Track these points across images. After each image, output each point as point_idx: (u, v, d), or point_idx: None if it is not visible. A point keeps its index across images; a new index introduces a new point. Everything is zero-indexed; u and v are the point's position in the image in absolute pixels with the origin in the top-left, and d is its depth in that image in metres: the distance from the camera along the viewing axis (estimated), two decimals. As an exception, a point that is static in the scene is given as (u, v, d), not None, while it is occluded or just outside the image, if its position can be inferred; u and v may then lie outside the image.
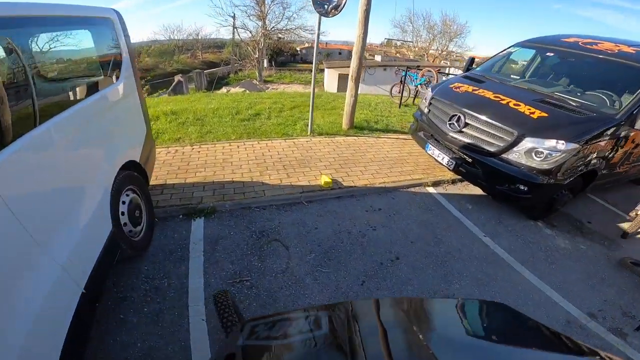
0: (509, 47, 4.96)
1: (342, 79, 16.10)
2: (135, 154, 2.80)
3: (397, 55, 32.50)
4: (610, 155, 3.62)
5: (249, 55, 17.79)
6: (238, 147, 4.85)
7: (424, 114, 4.50)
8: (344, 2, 4.45)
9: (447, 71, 13.06)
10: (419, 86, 8.42)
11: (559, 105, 3.57)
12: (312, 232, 3.33)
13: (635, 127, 3.54)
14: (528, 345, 0.58)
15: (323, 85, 17.90)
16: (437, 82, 7.97)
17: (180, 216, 3.35)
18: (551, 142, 3.24)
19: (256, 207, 3.61)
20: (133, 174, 2.66)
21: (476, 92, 4.01)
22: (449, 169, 4.02)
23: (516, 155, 3.42)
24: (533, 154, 3.32)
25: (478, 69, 4.97)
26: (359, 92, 5.83)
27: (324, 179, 3.97)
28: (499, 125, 3.48)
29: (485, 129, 3.58)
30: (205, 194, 3.67)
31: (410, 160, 4.91)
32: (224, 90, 14.52)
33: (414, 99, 8.65)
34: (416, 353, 0.45)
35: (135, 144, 2.85)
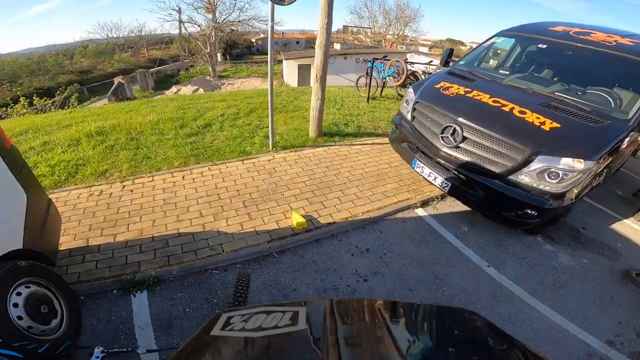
0: (492, 37, 4.27)
1: (303, 70, 14.93)
2: (13, 239, 1.84)
3: (355, 42, 31.58)
4: (613, 160, 3.12)
5: (199, 51, 15.95)
6: (184, 177, 3.78)
7: (406, 121, 3.70)
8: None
9: (413, 60, 12.39)
10: (387, 78, 7.63)
11: (570, 111, 2.94)
12: (290, 294, 2.54)
13: None
14: (488, 354, 0.51)
15: (282, 77, 16.62)
16: (405, 72, 7.24)
17: (114, 291, 2.43)
18: (567, 161, 2.62)
19: (214, 268, 2.71)
20: (19, 265, 1.80)
21: (470, 95, 3.27)
22: (442, 191, 3.28)
23: (526, 177, 2.76)
24: (546, 176, 2.68)
25: (461, 62, 4.22)
26: None
27: (296, 219, 3.09)
28: (507, 141, 2.77)
29: (489, 144, 2.87)
30: (144, 257, 2.69)
31: (392, 174, 4.14)
32: (173, 89, 12.85)
33: (381, 91, 7.87)
34: (387, 353, 0.43)
35: (6, 228, 1.81)
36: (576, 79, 3.48)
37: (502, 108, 3.00)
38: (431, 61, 9.21)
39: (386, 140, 5.08)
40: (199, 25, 17.62)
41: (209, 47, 15.54)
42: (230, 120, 5.52)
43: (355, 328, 0.50)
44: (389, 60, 7.80)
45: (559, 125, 2.75)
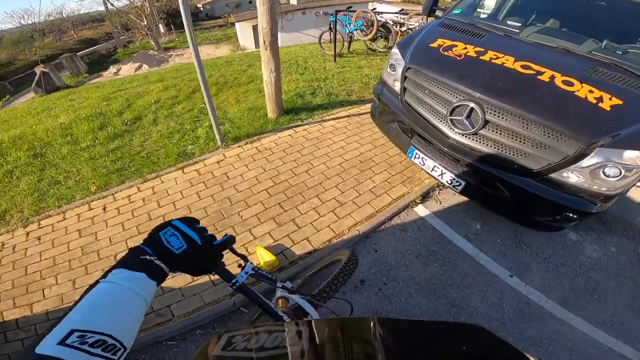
0: None
1: (258, 30, 12.93)
2: None
3: None
4: None
5: (135, 25, 13.22)
6: (105, 209, 2.69)
7: (393, 93, 2.61)
8: None
9: (382, 10, 10.73)
10: (354, 32, 6.28)
11: (628, 81, 1.94)
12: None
13: None
14: None
15: (237, 41, 14.44)
16: (376, 24, 5.91)
17: None
18: (635, 155, 1.70)
19: (168, 339, 1.92)
20: None
21: (485, 57, 2.18)
22: (452, 190, 2.33)
23: (574, 175, 1.84)
24: (601, 173, 1.77)
25: (457, 11, 2.96)
26: (280, 45, 3.70)
27: (262, 257, 2.16)
28: (555, 127, 1.78)
29: (526, 132, 1.87)
30: None
31: (379, 157, 3.14)
32: (112, 70, 10.72)
33: (349, 47, 6.55)
34: None
35: None
36: (608, 33, 2.39)
37: (539, 77, 1.95)
38: (401, 10, 7.76)
39: (365, 109, 4.00)
40: (127, -1, 14.69)
41: (145, 20, 12.91)
42: (167, 107, 4.22)
43: (360, 347, 0.43)
44: (355, 11, 6.38)
45: (621, 102, 1.78)
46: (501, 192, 2.04)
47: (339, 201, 2.63)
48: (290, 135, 3.48)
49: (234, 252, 0.80)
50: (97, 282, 0.50)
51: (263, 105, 3.94)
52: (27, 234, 2.59)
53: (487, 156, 2.01)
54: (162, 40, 13.80)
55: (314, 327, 0.51)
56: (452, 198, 2.82)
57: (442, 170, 2.20)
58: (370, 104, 4.18)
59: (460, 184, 2.16)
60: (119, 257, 2.43)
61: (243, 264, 0.79)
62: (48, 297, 2.13)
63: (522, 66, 2.04)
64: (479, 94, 1.94)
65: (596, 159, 1.73)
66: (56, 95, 6.27)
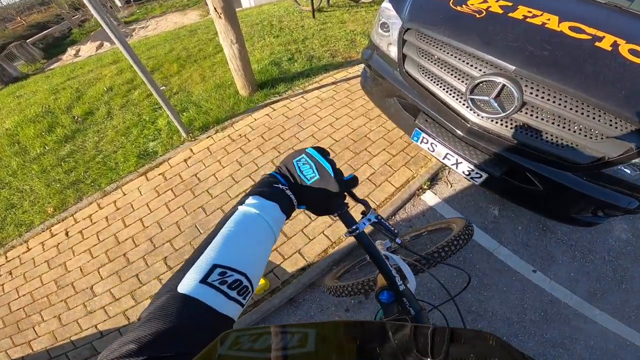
0: None
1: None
2: None
3: None
4: None
5: (84, 4, 11.51)
6: (67, 234, 2.33)
7: (388, 61, 2.01)
8: None
9: None
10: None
11: None
12: None
13: None
14: None
15: (207, 4, 12.86)
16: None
17: None
18: None
19: None
20: None
21: (515, 14, 1.57)
22: (470, 182, 1.86)
23: (629, 169, 1.37)
24: None
25: None
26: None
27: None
28: (623, 113, 1.24)
29: (579, 118, 1.34)
30: None
31: (375, 134, 2.64)
32: (70, 52, 9.53)
33: (328, 1, 5.65)
34: None
35: None
36: None
37: (598, 44, 1.38)
38: None
39: (353, 72, 3.41)
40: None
41: None
42: (122, 95, 3.60)
43: (368, 352, 0.38)
44: None
45: None
46: (533, 186, 1.60)
47: (333, 197, 2.20)
48: (267, 115, 2.94)
49: (355, 197, 0.74)
50: (235, 208, 0.49)
51: (231, 79, 3.33)
52: None
53: (519, 145, 1.53)
54: (121, 15, 12.28)
55: (320, 330, 0.43)
56: (464, 181, 2.39)
57: (457, 160, 1.73)
58: (360, 65, 3.56)
59: (481, 176, 1.70)
60: (95, 289, 2.01)
61: (366, 211, 0.72)
62: (41, 334, 1.97)
63: (570, 28, 1.46)
64: (515, 67, 1.39)
65: None
66: (5, 91, 5.51)
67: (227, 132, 2.79)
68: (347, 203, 0.64)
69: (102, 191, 2.50)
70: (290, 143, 2.62)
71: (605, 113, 1.30)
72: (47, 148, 3.09)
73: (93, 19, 12.31)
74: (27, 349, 1.94)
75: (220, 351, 0.39)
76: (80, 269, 2.14)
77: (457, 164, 1.75)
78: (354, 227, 0.66)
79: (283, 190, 0.53)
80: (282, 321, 1.77)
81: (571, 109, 1.35)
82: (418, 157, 2.43)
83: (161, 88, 3.54)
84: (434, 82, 1.74)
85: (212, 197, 2.29)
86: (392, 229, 0.73)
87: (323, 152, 0.60)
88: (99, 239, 2.25)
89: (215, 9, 2.49)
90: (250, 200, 0.49)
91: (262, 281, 1.78)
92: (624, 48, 1.35)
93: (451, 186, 2.33)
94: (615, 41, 1.38)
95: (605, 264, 2.05)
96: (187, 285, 0.38)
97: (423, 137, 1.83)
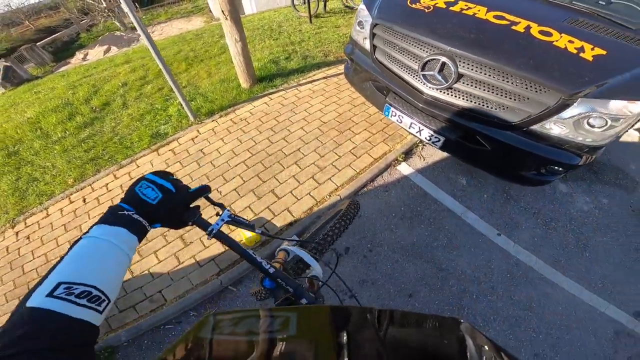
0: None
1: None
2: None
3: None
4: None
5: (93, 8, 12.24)
6: (85, 200, 2.68)
7: (364, 52, 2.49)
8: None
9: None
10: (328, -12, 5.91)
11: (610, 30, 1.84)
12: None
13: None
14: None
15: (210, 12, 13.65)
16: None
17: None
18: (618, 105, 1.63)
19: (165, 324, 1.98)
20: None
21: (456, 8, 2.04)
22: (431, 146, 2.29)
23: (557, 127, 1.78)
24: (585, 123, 1.71)
25: None
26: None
27: (244, 233, 2.19)
28: (532, 78, 1.69)
29: (502, 84, 1.79)
30: None
31: (358, 117, 3.07)
32: (78, 56, 10.17)
33: (325, 6, 6.19)
34: None
35: None
36: None
37: (514, 27, 1.84)
38: None
39: (342, 69, 3.86)
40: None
41: (104, 2, 11.95)
42: (136, 89, 4.06)
43: (350, 336, 0.45)
44: None
45: (604, 53, 1.68)
46: (482, 147, 2.00)
47: (319, 166, 2.61)
48: (265, 103, 3.38)
49: (211, 200, 0.80)
50: (80, 238, 0.52)
51: (236, 75, 3.79)
52: (17, 234, 2.62)
53: (464, 110, 1.95)
54: (127, 21, 13.02)
55: (301, 314, 0.53)
56: (437, 153, 2.80)
57: (419, 127, 2.14)
58: (347, 62, 4.04)
59: (440, 140, 2.10)
60: None
61: (220, 212, 0.78)
62: None
63: (495, 16, 1.91)
64: (449, 47, 1.83)
65: (580, 109, 1.66)
66: (22, 89, 6.02)
67: (230, 117, 3.22)
68: (199, 212, 0.71)
69: (118, 164, 2.90)
70: (284, 125, 3.04)
71: (521, 79, 1.71)
72: (67, 133, 3.51)
73: (101, 24, 13.04)
74: None
75: (201, 334, 0.43)
76: None
77: (419, 131, 2.16)
78: (209, 229, 0.72)
79: (129, 215, 0.57)
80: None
81: (496, 77, 1.77)
82: (395, 135, 2.84)
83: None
84: (397, 65, 2.19)
85: (214, 167, 2.69)
86: (248, 222, 0.80)
87: (164, 174, 0.66)
88: (112, 203, 2.63)
89: (223, 11, 2.96)
90: (93, 230, 0.53)
91: (253, 234, 2.16)
92: (535, 29, 1.79)
93: (424, 160, 2.73)
94: (528, 25, 1.82)
95: (568, 232, 2.33)
96: (35, 300, 0.41)
97: (392, 111, 2.26)
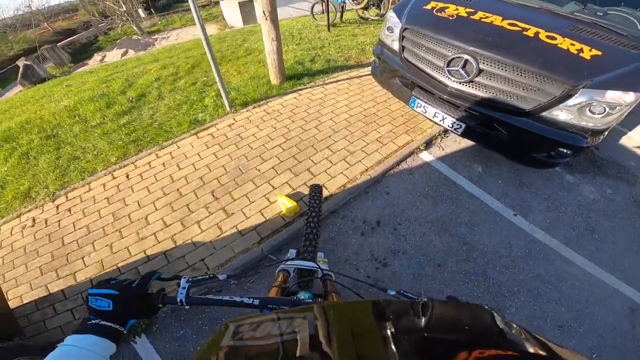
0: None
1: (245, 7, 12.69)
2: None
3: None
4: None
5: (113, 11, 12.89)
6: (128, 176, 2.92)
7: (393, 52, 2.85)
8: None
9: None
10: (346, 2, 6.40)
11: (606, 36, 2.24)
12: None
13: None
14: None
15: (224, 19, 14.30)
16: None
17: None
18: (614, 94, 2.00)
19: (207, 294, 2.12)
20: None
21: (476, 17, 2.43)
22: (454, 133, 2.60)
23: (563, 113, 2.13)
24: (588, 111, 2.07)
25: None
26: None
27: (284, 204, 2.43)
28: (541, 72, 2.06)
29: (516, 77, 2.15)
30: None
31: (382, 112, 3.39)
32: (96, 58, 10.65)
33: (341, 17, 6.67)
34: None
35: None
36: None
37: (525, 33, 2.22)
38: None
39: (364, 72, 4.21)
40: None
41: (124, 6, 12.59)
42: (169, 83, 4.38)
43: (365, 332, 0.47)
44: None
45: (600, 53, 2.06)
46: (499, 132, 2.33)
47: (349, 150, 2.90)
48: (295, 97, 3.70)
49: (164, 279, 0.85)
50: (54, 347, 0.58)
51: (265, 74, 4.14)
52: (57, 207, 2.80)
53: (483, 100, 2.29)
54: (144, 25, 13.62)
55: (321, 311, 0.54)
56: (454, 145, 3.10)
57: (443, 116, 2.48)
58: (369, 66, 4.40)
59: (461, 127, 2.43)
60: (149, 218, 2.69)
61: (179, 282, 0.80)
62: (89, 264, 2.34)
63: (509, 24, 2.30)
64: (472, 48, 2.21)
65: (581, 98, 2.01)
66: (49, 84, 6.37)
67: (263, 108, 3.53)
68: (162, 293, 0.77)
69: (160, 145, 3.17)
70: (314, 116, 3.35)
71: (532, 73, 2.06)
72: (106, 119, 3.79)
73: (119, 27, 13.62)
74: (71, 281, 2.26)
75: (223, 342, 0.47)
76: (138, 203, 2.68)
77: (443, 119, 2.49)
78: (178, 301, 0.76)
79: (97, 323, 0.64)
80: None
81: (511, 72, 2.12)
82: (416, 128, 3.15)
83: (204, 79, 4.36)
84: (423, 62, 2.56)
85: (252, 149, 2.97)
86: (211, 275, 0.83)
87: (104, 283, 0.72)
88: (156, 179, 2.86)
89: (263, 12, 3.31)
90: (67, 339, 0.60)
91: (294, 204, 2.40)
92: (543, 34, 2.16)
93: (443, 150, 3.03)
94: (537, 31, 2.19)
95: (577, 216, 2.62)
96: None
97: (418, 103, 2.60)
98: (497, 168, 2.91)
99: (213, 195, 2.65)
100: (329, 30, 6.00)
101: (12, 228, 2.68)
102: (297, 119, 3.31)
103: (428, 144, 3.06)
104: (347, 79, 4.07)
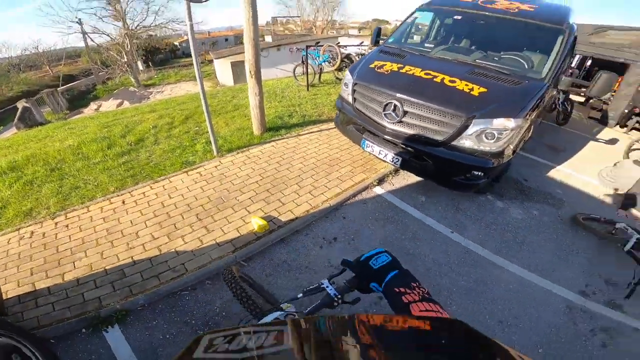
0: (413, 13, 4.48)
1: (236, 68, 14.33)
2: None
3: (286, 32, 31.45)
4: (537, 115, 3.49)
5: (115, 61, 14.35)
6: (124, 202, 3.48)
7: (348, 104, 3.76)
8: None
9: (346, 43, 12.61)
10: (323, 64, 7.68)
11: (492, 76, 3.21)
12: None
13: (558, 87, 3.52)
14: None
15: (216, 78, 15.91)
16: (339, 56, 7.35)
17: (83, 330, 2.31)
18: (499, 122, 2.87)
19: (182, 290, 2.61)
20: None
21: (403, 70, 3.41)
22: (394, 166, 3.40)
23: (467, 141, 2.97)
24: (484, 137, 2.92)
25: (390, 40, 4.37)
26: None
27: (256, 223, 3.03)
28: (444, 109, 2.95)
29: (429, 115, 3.03)
30: (102, 291, 2.53)
31: (344, 157, 4.21)
32: (92, 106, 11.56)
33: (319, 77, 7.91)
34: None
35: None
36: (491, 46, 3.80)
37: (434, 79, 3.16)
38: (362, 42, 9.50)
39: (332, 125, 5.13)
40: (108, 35, 15.91)
41: (125, 57, 14.06)
42: (165, 131, 5.16)
43: (345, 346, 0.51)
44: (322, 46, 7.84)
45: (486, 90, 2.98)
46: (426, 162, 3.12)
47: (314, 186, 3.62)
48: (272, 146, 4.50)
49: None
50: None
51: (249, 126, 4.98)
52: (56, 223, 3.25)
53: (411, 136, 3.13)
54: (141, 77, 14.92)
55: (295, 326, 0.56)
56: (402, 181, 3.88)
57: (385, 153, 3.28)
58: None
59: (399, 160, 3.22)
60: (139, 233, 3.32)
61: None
62: (78, 267, 2.72)
63: (425, 74, 3.26)
64: (398, 94, 3.12)
65: (476, 127, 2.86)
66: (50, 126, 7.05)
67: (245, 154, 4.28)
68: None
69: (154, 180, 3.79)
70: (287, 160, 4.11)
71: (438, 111, 2.92)
72: (107, 157, 4.43)
73: (117, 77, 14.89)
74: (58, 280, 2.56)
75: (195, 355, 0.48)
76: (131, 221, 3.19)
77: (386, 155, 3.29)
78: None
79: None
80: (275, 252, 2.91)
81: (425, 111, 2.99)
82: (371, 169, 3.94)
83: (196, 128, 5.16)
84: (368, 110, 3.44)
85: (233, 184, 3.64)
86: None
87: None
88: (148, 205, 3.41)
89: (249, 71, 4.24)
90: None
91: (264, 222, 3.00)
92: (447, 79, 3.09)
93: (393, 185, 3.81)
94: (443, 77, 3.12)
95: (507, 232, 3.29)
96: None
97: (367, 144, 3.42)
98: (437, 197, 3.66)
99: (197, 218, 3.22)
100: (307, 89, 7.13)
101: (10, 239, 3.06)
102: (272, 162, 4.07)
103: (381, 181, 3.83)
104: (319, 131, 4.96)
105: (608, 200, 4.12)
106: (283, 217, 3.19)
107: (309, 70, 7.21)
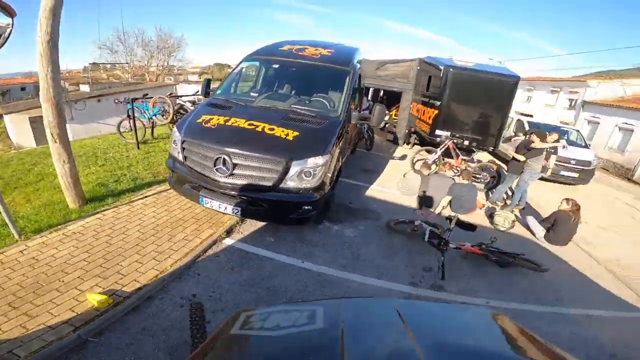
0: (240, 63, 5.12)
1: (39, 124, 11.66)
2: None
3: (111, 79, 27.94)
4: (343, 146, 4.52)
5: None
6: None
7: (179, 162, 3.88)
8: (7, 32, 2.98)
9: (178, 93, 12.60)
10: (154, 117, 7.47)
11: (303, 119, 3.95)
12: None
13: (351, 122, 4.59)
14: (519, 356, 0.59)
15: (9, 138, 12.49)
16: (172, 108, 7.41)
17: None
18: (312, 160, 3.58)
19: None
20: None
21: (229, 123, 3.81)
22: (237, 217, 3.75)
23: (292, 182, 3.56)
24: (303, 175, 3.57)
25: (219, 91, 4.80)
26: (71, 139, 4.26)
27: (94, 299, 2.74)
28: (267, 157, 3.47)
29: (256, 164, 3.49)
30: None
31: (187, 217, 4.27)
32: None
33: (152, 132, 7.63)
34: (405, 355, 0.45)
35: None
36: (303, 90, 4.73)
37: (257, 129, 3.68)
38: (197, 91, 9.75)
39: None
40: None
41: None
42: None
43: (372, 327, 0.53)
44: (152, 98, 7.63)
45: (298, 134, 3.69)
46: (263, 207, 3.56)
47: (158, 251, 3.50)
48: (98, 218, 4.02)
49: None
50: None
51: (62, 199, 4.26)
52: None
53: (244, 186, 3.52)
54: None
55: (334, 307, 0.57)
56: (251, 228, 4.24)
57: (225, 206, 3.56)
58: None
59: (239, 210, 3.55)
60: None
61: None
62: None
63: (249, 124, 3.75)
64: (225, 148, 3.48)
65: (296, 169, 3.50)
66: None
67: (61, 232, 3.63)
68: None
69: None
70: (121, 230, 3.79)
71: (263, 159, 3.44)
72: None
73: None
74: None
75: (232, 331, 0.54)
76: None
77: (225, 208, 3.56)
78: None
79: None
80: (130, 322, 2.67)
81: (252, 160, 3.44)
82: (218, 223, 4.14)
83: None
84: (200, 166, 3.65)
85: (50, 267, 3.09)
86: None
87: None
88: None
89: (52, 134, 3.72)
90: None
91: (104, 297, 2.72)
92: (267, 128, 3.68)
93: (242, 233, 4.10)
94: (264, 126, 3.69)
95: (344, 249, 4.04)
96: None
97: (205, 200, 3.62)
98: (284, 235, 4.18)
99: (10, 306, 2.64)
100: (138, 147, 6.71)
101: None
102: (102, 235, 3.67)
103: (229, 232, 4.06)
104: (155, 193, 4.80)
105: (408, 204, 5.77)
106: (128, 288, 2.95)
107: (139, 125, 6.86)
